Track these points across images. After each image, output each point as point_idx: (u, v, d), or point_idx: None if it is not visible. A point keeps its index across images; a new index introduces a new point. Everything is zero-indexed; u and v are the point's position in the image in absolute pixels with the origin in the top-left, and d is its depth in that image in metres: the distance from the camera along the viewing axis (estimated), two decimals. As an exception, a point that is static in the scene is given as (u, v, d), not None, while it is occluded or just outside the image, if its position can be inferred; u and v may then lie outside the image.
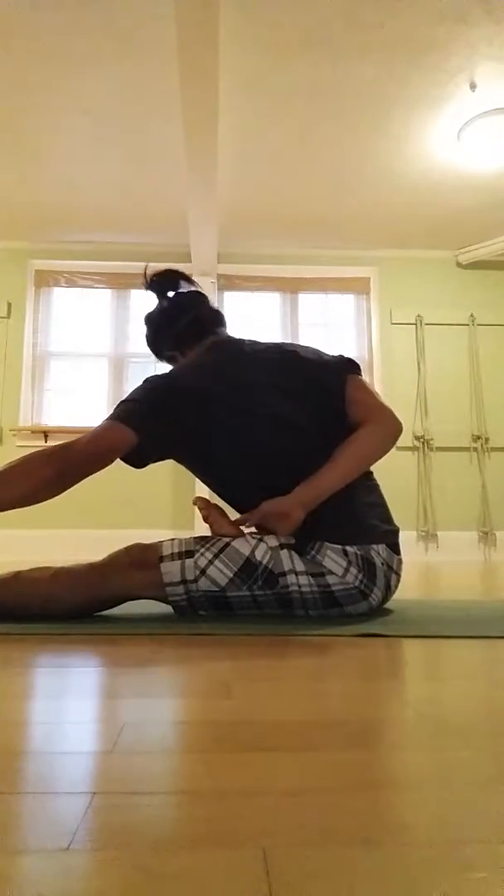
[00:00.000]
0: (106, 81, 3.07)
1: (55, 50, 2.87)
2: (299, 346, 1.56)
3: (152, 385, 1.41)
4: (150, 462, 1.42)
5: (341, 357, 1.54)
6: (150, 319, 1.63)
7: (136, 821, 0.41)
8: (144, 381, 1.43)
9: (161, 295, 1.63)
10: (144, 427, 1.34)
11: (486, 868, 0.35)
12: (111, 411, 1.38)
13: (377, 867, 0.35)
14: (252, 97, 3.18)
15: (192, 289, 1.64)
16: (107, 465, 1.33)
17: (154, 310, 1.64)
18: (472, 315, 4.79)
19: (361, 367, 1.63)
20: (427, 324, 4.78)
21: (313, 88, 3.12)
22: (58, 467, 1.28)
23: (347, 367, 1.51)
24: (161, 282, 1.62)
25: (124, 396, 1.43)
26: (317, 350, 1.57)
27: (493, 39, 2.79)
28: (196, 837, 0.39)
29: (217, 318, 1.61)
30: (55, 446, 1.32)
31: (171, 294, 1.63)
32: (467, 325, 4.79)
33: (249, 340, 1.55)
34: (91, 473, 1.33)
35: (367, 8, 2.63)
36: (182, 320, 1.58)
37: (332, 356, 1.55)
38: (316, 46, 2.84)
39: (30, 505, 1.30)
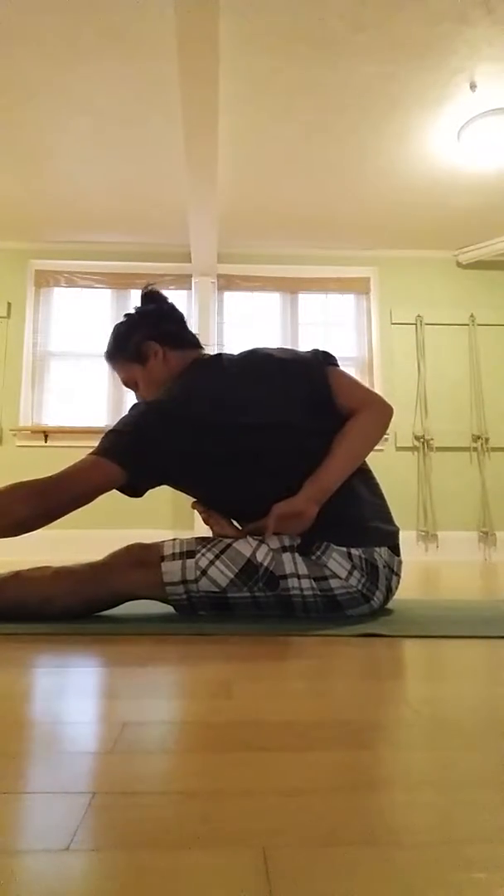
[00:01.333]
0: (106, 81, 3.07)
1: (55, 50, 2.87)
2: (271, 349, 1.55)
3: (141, 414, 1.36)
4: (147, 490, 1.38)
5: (317, 351, 1.54)
6: (136, 313, 1.58)
7: (136, 821, 0.41)
8: (132, 408, 1.38)
9: (148, 301, 1.61)
10: (132, 461, 1.30)
11: (486, 868, 0.35)
12: (99, 443, 1.33)
13: (377, 867, 0.35)
14: (252, 97, 3.18)
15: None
16: (90, 502, 1.30)
17: (138, 308, 1.60)
18: (472, 315, 4.79)
19: (360, 367, 1.61)
20: (427, 324, 4.78)
21: (313, 88, 3.12)
22: (41, 508, 1.25)
23: (326, 360, 1.51)
24: (154, 293, 1.61)
25: (115, 423, 1.38)
26: (290, 349, 1.57)
27: (493, 39, 2.79)
28: (196, 837, 0.39)
29: (195, 339, 1.59)
30: (37, 482, 1.27)
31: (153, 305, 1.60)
32: (467, 325, 4.79)
33: (226, 355, 1.53)
34: (73, 510, 1.30)
35: (367, 8, 2.63)
36: (174, 319, 1.57)
37: (307, 352, 1.54)
38: (316, 46, 2.84)
39: (5, 538, 1.28)
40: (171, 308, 1.60)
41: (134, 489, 1.36)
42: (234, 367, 1.48)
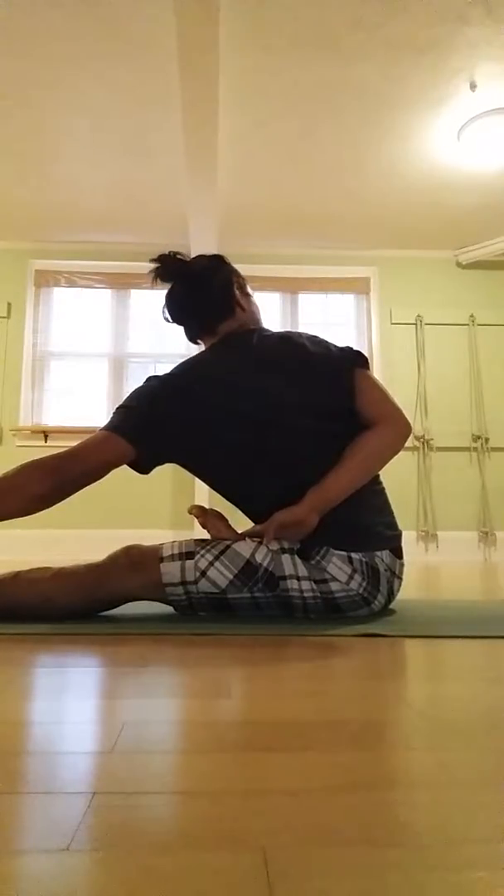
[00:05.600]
0: (106, 81, 3.07)
1: (55, 50, 2.87)
2: (308, 337, 1.51)
3: (150, 388, 1.38)
4: (155, 467, 1.40)
5: (349, 349, 1.49)
6: (169, 301, 1.54)
7: (136, 821, 0.41)
8: (146, 381, 1.42)
9: (173, 280, 1.53)
10: (140, 437, 1.32)
11: (486, 868, 0.35)
12: (109, 416, 1.37)
13: (377, 867, 0.35)
14: (252, 97, 3.18)
15: (212, 255, 1.57)
16: (102, 477, 1.33)
17: (170, 292, 1.54)
18: (472, 315, 4.79)
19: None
20: (427, 324, 4.78)
21: (313, 88, 3.12)
22: (53, 484, 1.27)
23: (356, 362, 1.46)
24: (165, 272, 1.52)
25: (124, 398, 1.41)
26: (324, 343, 1.51)
27: (493, 39, 2.79)
28: (196, 837, 0.39)
29: (227, 301, 1.52)
30: (50, 459, 1.29)
31: (180, 276, 1.53)
32: (467, 325, 4.79)
33: (261, 332, 1.49)
34: (86, 486, 1.33)
35: (368, 8, 2.63)
36: (190, 317, 1.52)
37: (340, 349, 1.49)
38: (316, 46, 2.84)
39: (23, 516, 1.30)
40: (180, 305, 1.53)
41: (143, 465, 1.38)
42: (262, 346, 1.45)
